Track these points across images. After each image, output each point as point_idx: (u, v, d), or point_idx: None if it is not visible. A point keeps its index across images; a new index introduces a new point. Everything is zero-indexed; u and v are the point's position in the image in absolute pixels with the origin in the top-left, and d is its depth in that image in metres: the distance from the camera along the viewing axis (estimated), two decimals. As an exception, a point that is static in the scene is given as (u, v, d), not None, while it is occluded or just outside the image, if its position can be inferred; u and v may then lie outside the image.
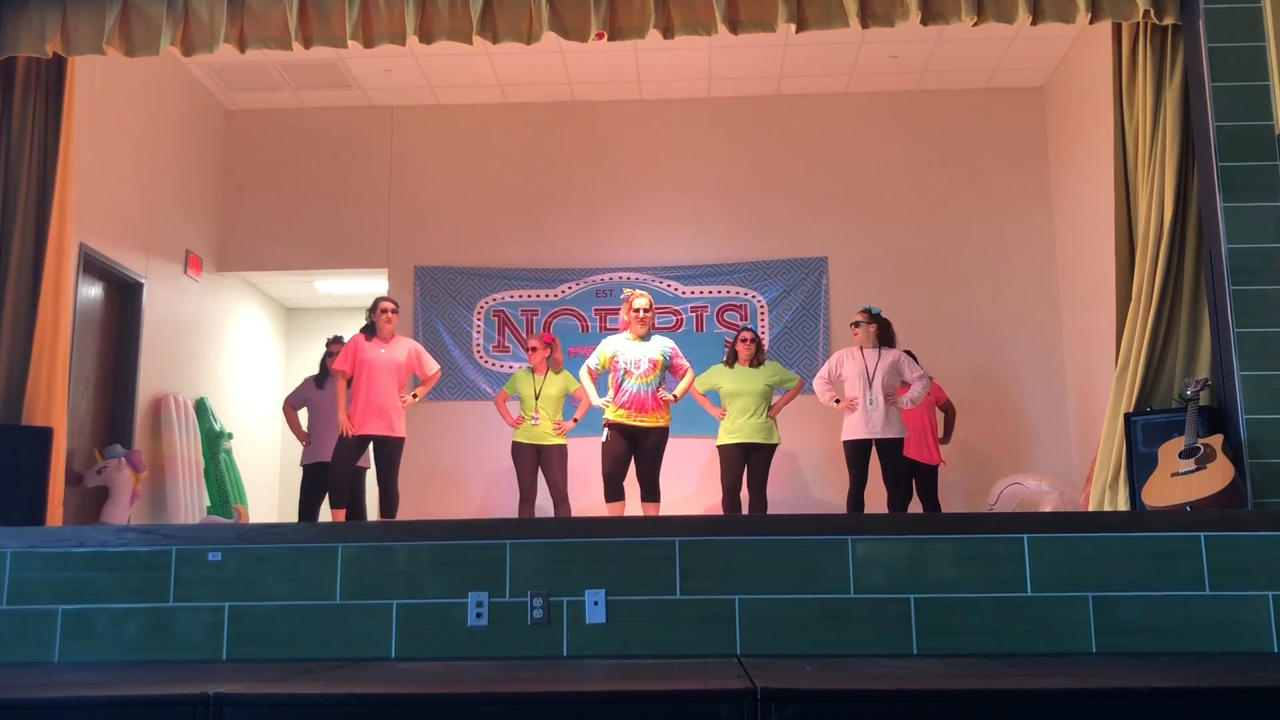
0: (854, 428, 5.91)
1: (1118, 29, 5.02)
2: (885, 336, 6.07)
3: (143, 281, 6.91)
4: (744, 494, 6.18)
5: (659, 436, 5.92)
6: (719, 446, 6.23)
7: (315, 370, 6.89)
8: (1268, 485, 4.16)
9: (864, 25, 4.82)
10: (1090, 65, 6.69)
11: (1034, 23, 4.79)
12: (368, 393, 5.89)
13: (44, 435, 4.79)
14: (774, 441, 6.22)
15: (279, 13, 4.90)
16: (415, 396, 6.13)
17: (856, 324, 6.06)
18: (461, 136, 8.14)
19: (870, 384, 5.87)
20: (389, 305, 6.08)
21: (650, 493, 5.92)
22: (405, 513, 6.05)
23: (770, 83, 7.89)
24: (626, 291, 6.17)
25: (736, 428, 6.16)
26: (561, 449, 6.41)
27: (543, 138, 8.10)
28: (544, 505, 6.43)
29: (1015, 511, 6.24)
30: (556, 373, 6.48)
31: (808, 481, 7.42)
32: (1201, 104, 4.57)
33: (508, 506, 6.82)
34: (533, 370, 6.50)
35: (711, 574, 3.76)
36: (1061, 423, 7.48)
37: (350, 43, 4.91)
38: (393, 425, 5.93)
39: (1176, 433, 4.35)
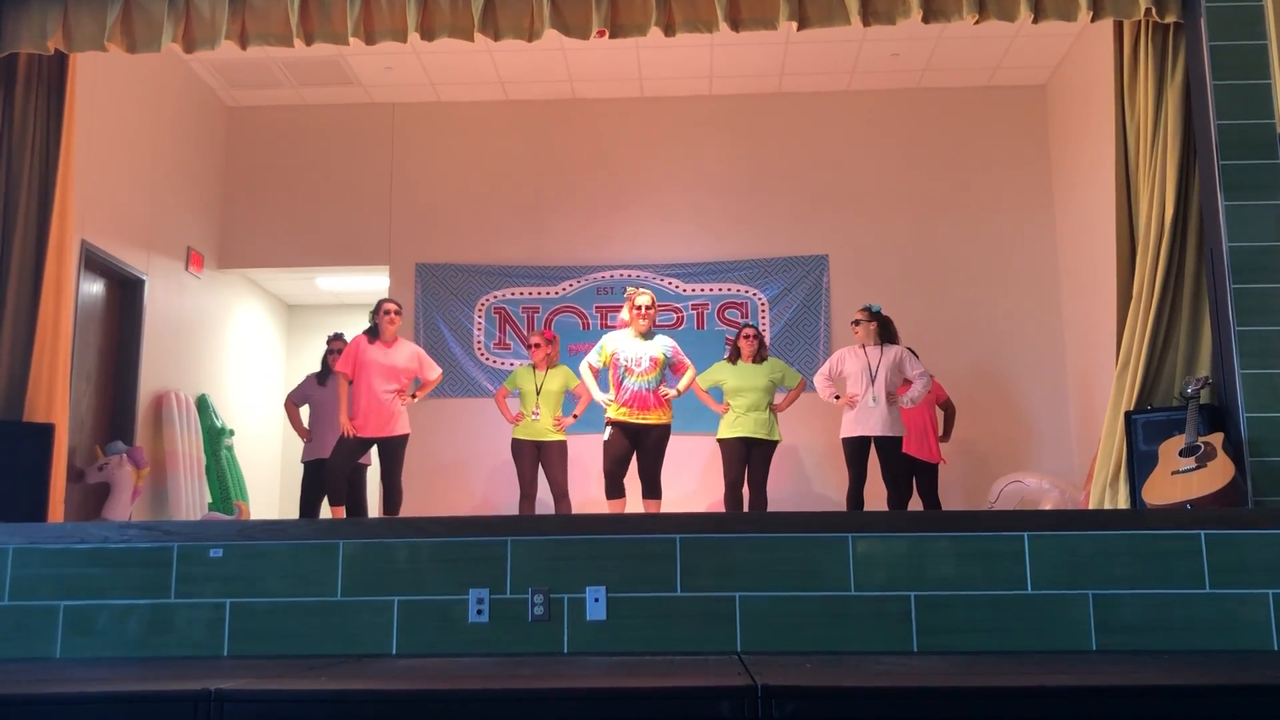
0: (853, 425, 5.91)
1: (1119, 27, 5.01)
2: (886, 334, 6.08)
3: (144, 278, 6.91)
4: (745, 491, 6.18)
5: (660, 434, 5.92)
6: (720, 440, 6.23)
7: (317, 367, 6.89)
8: (1268, 483, 4.16)
9: (865, 23, 4.82)
10: (1092, 63, 6.68)
11: (1035, 21, 4.79)
12: (369, 395, 5.88)
13: (45, 432, 4.79)
14: (775, 438, 6.22)
15: (280, 9, 4.90)
16: (414, 397, 6.13)
17: (857, 322, 6.07)
18: (463, 134, 8.14)
19: (873, 382, 5.88)
20: (392, 307, 6.06)
21: (651, 490, 5.92)
22: (407, 509, 6.06)
23: (771, 80, 7.88)
24: (629, 289, 6.17)
25: (738, 423, 6.17)
26: (561, 445, 6.42)
27: (544, 135, 8.10)
28: (545, 501, 6.44)
29: (1015, 509, 6.24)
30: (554, 368, 6.50)
31: (809, 478, 7.43)
32: (1203, 102, 4.57)
33: (508, 502, 6.82)
34: (533, 366, 6.51)
35: (712, 571, 3.76)
36: (1062, 421, 7.48)
37: (352, 39, 4.91)
38: (394, 426, 5.93)
39: (1177, 431, 4.35)
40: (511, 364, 7.73)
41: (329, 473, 6.00)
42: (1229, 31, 4.53)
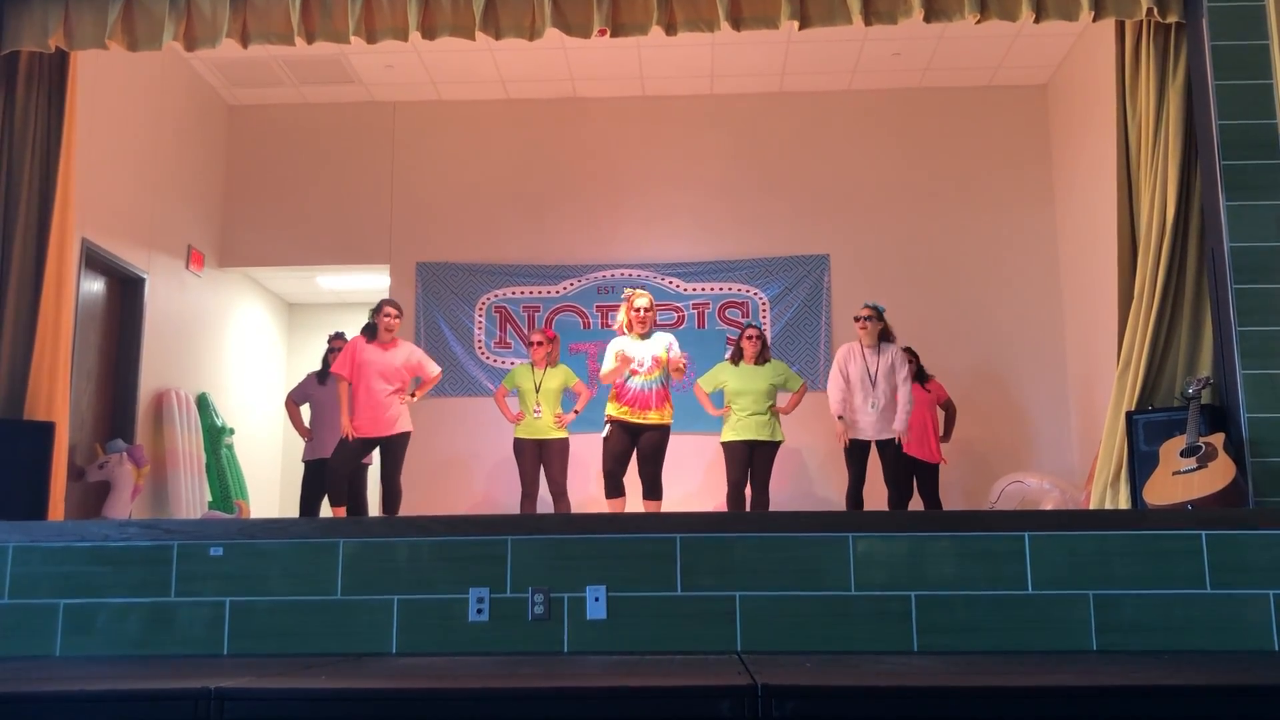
0: (853, 428, 5.91)
1: (1121, 27, 5.01)
2: (884, 332, 6.08)
3: (145, 276, 6.91)
4: (746, 490, 6.18)
5: (660, 434, 5.92)
6: (724, 443, 6.23)
7: (317, 366, 6.89)
8: (1269, 484, 4.16)
9: (867, 22, 4.82)
10: (1093, 63, 6.68)
11: (1037, 20, 4.79)
12: (368, 396, 5.87)
13: (46, 430, 4.79)
14: (778, 439, 6.22)
15: (281, 8, 4.90)
16: (414, 396, 6.12)
17: (861, 320, 6.02)
18: (464, 133, 8.14)
19: (873, 386, 5.87)
20: (392, 310, 6.02)
21: (652, 491, 5.92)
22: (408, 508, 6.05)
23: (773, 80, 7.88)
24: (626, 291, 6.17)
25: (740, 426, 6.16)
26: (563, 443, 6.41)
27: (545, 134, 8.10)
28: (545, 500, 6.44)
29: (1016, 509, 6.24)
30: (554, 367, 6.51)
31: (810, 478, 7.42)
32: (1205, 102, 4.57)
33: (509, 501, 6.82)
34: (532, 365, 6.51)
35: (712, 570, 3.76)
36: (1063, 421, 7.48)
37: (353, 38, 4.91)
38: (394, 425, 5.92)
39: (1178, 431, 4.35)
40: (512, 363, 7.72)
41: (330, 473, 6.00)
42: (1231, 31, 4.53)
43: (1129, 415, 4.64)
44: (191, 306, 7.58)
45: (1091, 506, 4.90)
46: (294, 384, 7.06)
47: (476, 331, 7.89)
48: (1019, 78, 7.84)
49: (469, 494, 7.54)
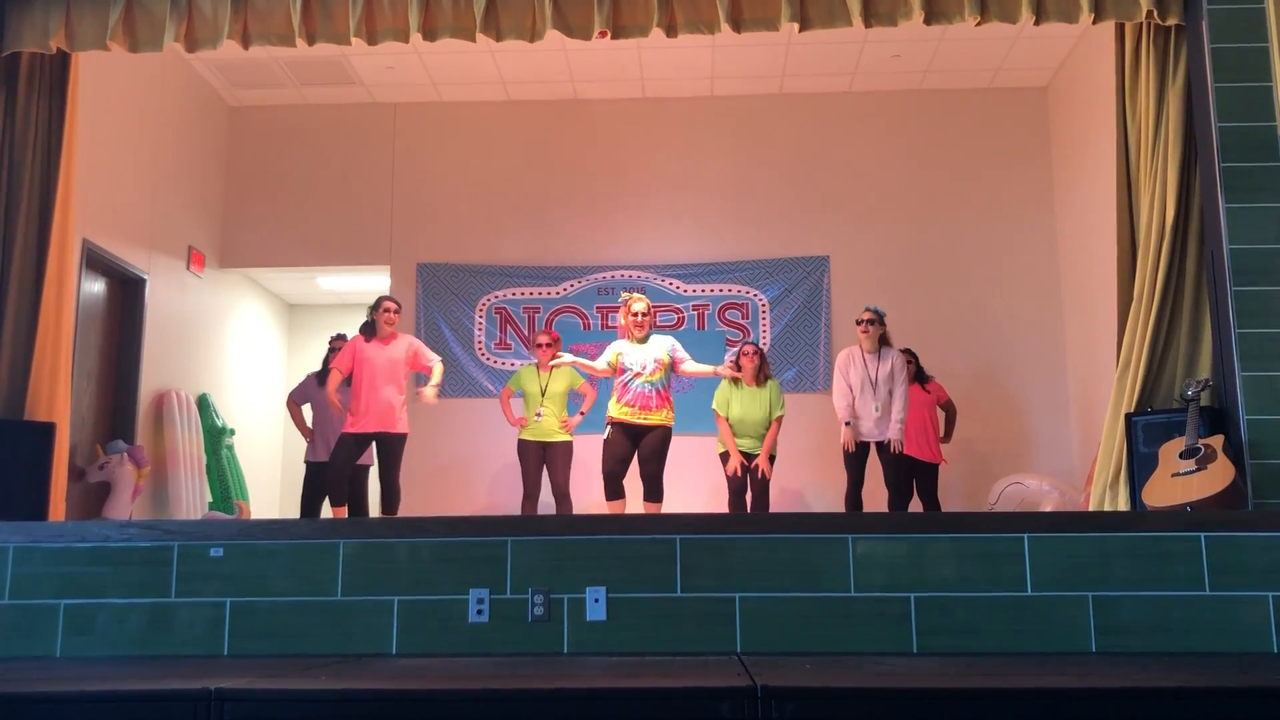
0: (854, 430, 5.91)
1: (1121, 29, 5.01)
2: (884, 337, 6.07)
3: (145, 277, 6.91)
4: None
5: (661, 435, 5.91)
6: (721, 454, 6.21)
7: (318, 367, 6.89)
8: (1268, 486, 4.16)
9: (867, 24, 4.83)
10: (1093, 65, 6.68)
11: (1037, 23, 4.79)
12: (368, 391, 5.88)
13: (46, 430, 4.80)
14: (772, 452, 6.20)
15: (282, 9, 4.91)
16: (434, 387, 6.08)
17: (862, 323, 6.00)
18: (464, 134, 8.15)
19: (874, 390, 5.87)
20: (391, 305, 6.06)
21: (653, 492, 5.91)
22: (410, 510, 6.06)
23: (773, 82, 7.88)
24: (624, 295, 6.16)
25: (739, 445, 6.14)
26: (567, 446, 6.41)
27: (545, 135, 8.10)
28: (548, 503, 6.43)
29: (1016, 511, 6.24)
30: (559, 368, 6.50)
31: (811, 480, 7.41)
32: (1204, 105, 4.57)
33: (512, 503, 6.82)
34: (538, 367, 6.50)
35: (712, 572, 3.77)
36: (1062, 422, 7.49)
37: (354, 40, 4.92)
38: (394, 422, 5.93)
39: (1177, 433, 4.35)
40: (512, 364, 7.73)
41: (330, 472, 6.00)
42: (1230, 34, 4.53)
43: (1128, 417, 4.64)
44: (192, 307, 7.59)
45: (1091, 508, 4.90)
46: (294, 384, 7.06)
47: (477, 332, 7.89)
48: (1019, 80, 7.84)
49: (470, 495, 7.54)
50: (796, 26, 4.84)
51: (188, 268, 7.52)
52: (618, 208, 7.99)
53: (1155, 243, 4.68)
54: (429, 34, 4.92)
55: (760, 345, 6.89)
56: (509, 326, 7.90)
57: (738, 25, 4.87)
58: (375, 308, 6.08)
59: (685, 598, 3.75)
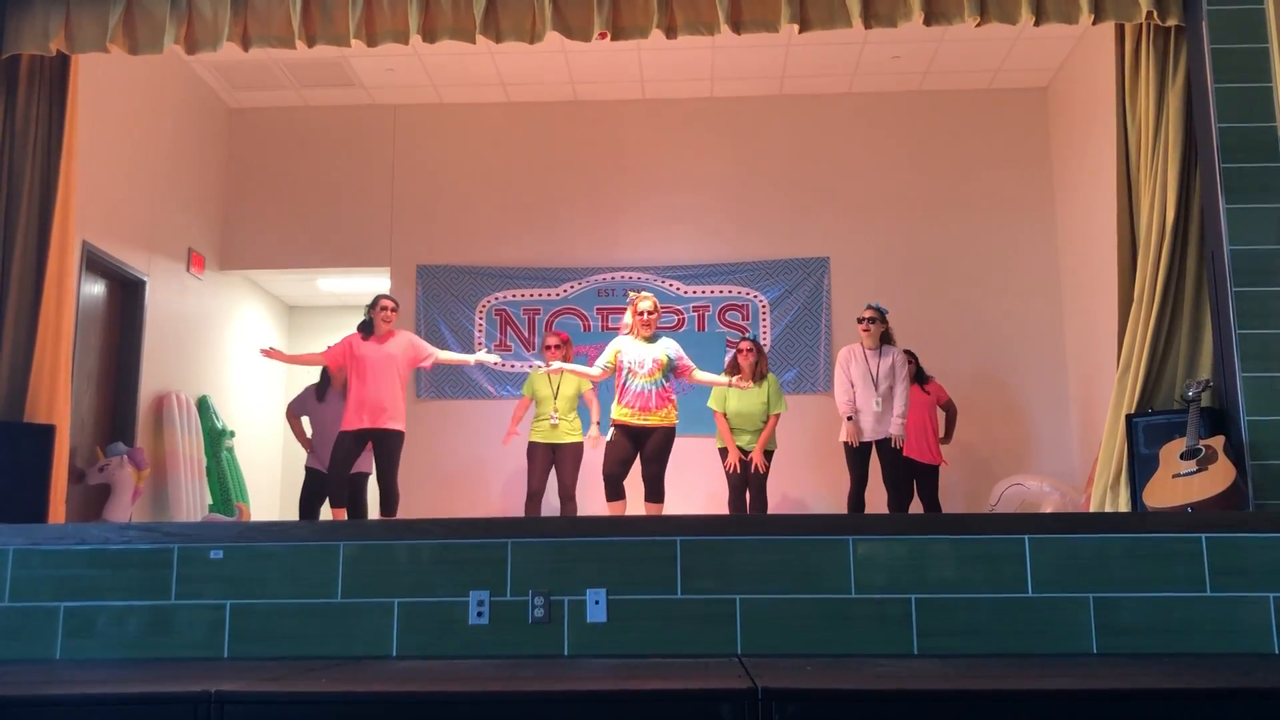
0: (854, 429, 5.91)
1: (1121, 30, 5.02)
2: (885, 334, 6.07)
3: (145, 279, 6.91)
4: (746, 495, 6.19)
5: (663, 436, 5.88)
6: (721, 450, 6.22)
7: (315, 378, 6.83)
8: (1269, 487, 4.16)
9: (867, 26, 4.83)
10: (1093, 66, 6.68)
11: (1037, 23, 4.79)
12: (365, 388, 5.87)
13: (46, 433, 4.79)
14: (770, 448, 6.22)
15: (282, 11, 4.91)
16: (488, 348, 6.10)
17: (863, 321, 5.99)
18: (464, 136, 8.15)
19: (875, 387, 5.87)
20: (389, 304, 6.06)
21: (654, 493, 5.89)
22: (412, 512, 6.05)
23: (773, 83, 7.89)
24: (631, 294, 6.17)
25: (737, 441, 6.16)
26: (576, 448, 6.40)
27: (545, 137, 8.11)
28: (552, 504, 6.43)
29: (1016, 512, 6.24)
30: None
31: (811, 481, 7.41)
32: (1204, 105, 4.57)
33: (516, 506, 6.80)
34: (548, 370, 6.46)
35: (713, 573, 3.76)
36: (1063, 423, 7.48)
37: (353, 41, 4.92)
38: (391, 420, 5.91)
39: (1178, 434, 4.35)
40: (512, 365, 7.73)
41: (330, 473, 5.99)
42: (1230, 35, 4.53)
43: (1129, 418, 4.64)
44: (192, 309, 7.59)
45: (1091, 509, 4.90)
46: (294, 387, 7.06)
47: (477, 334, 7.89)
48: (1019, 81, 7.84)
49: (473, 497, 7.50)
50: (796, 28, 4.84)
51: (188, 269, 7.52)
52: (618, 209, 7.99)
53: (1155, 243, 4.68)
54: (429, 36, 4.92)
55: (759, 341, 6.89)
56: (509, 328, 7.90)
57: (737, 26, 4.88)
58: (373, 306, 6.08)
59: (686, 599, 3.74)
